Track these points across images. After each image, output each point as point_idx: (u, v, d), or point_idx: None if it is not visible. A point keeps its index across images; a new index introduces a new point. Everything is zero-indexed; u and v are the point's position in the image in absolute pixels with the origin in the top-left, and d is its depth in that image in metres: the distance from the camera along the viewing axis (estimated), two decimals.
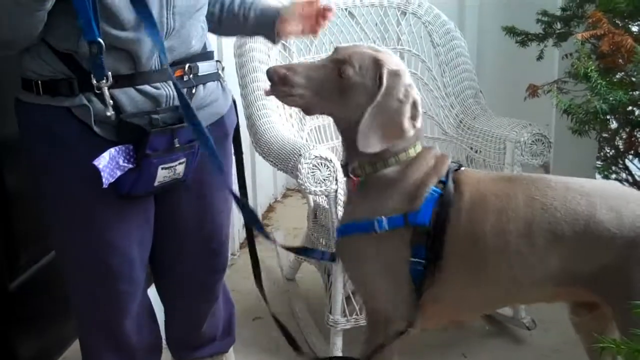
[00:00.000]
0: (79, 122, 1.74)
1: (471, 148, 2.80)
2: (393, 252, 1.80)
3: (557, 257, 1.72)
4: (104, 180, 1.69)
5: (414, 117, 1.77)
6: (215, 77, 1.97)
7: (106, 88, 1.68)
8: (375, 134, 1.74)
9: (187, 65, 1.85)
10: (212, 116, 1.96)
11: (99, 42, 1.63)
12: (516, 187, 1.79)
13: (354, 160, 1.84)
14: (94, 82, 1.68)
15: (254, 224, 1.91)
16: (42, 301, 2.35)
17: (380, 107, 1.74)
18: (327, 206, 2.38)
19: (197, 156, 1.88)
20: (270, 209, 4.02)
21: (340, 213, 2.33)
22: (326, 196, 2.34)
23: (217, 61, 2.00)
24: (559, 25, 3.02)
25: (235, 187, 2.03)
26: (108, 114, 1.70)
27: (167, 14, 1.74)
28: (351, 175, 1.85)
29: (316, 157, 2.26)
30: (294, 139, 2.49)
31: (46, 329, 2.41)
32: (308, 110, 1.85)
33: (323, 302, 2.56)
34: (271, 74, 1.76)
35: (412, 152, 1.82)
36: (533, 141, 2.55)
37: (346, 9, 2.94)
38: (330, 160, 2.28)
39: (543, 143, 2.55)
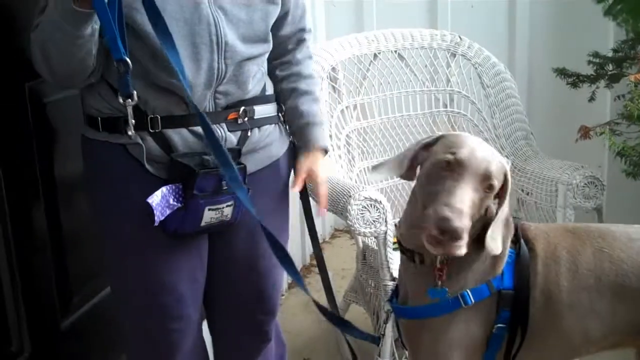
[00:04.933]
0: (133, 160, 1.78)
1: (522, 190, 2.77)
2: (478, 325, 1.69)
3: (625, 308, 1.69)
4: (155, 218, 1.73)
5: None
6: (273, 120, 1.98)
7: (130, 107, 1.71)
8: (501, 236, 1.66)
9: (242, 109, 1.86)
10: (266, 159, 1.97)
11: (125, 61, 1.64)
12: (583, 239, 1.74)
13: None
14: (120, 100, 1.70)
15: (293, 276, 1.83)
16: (93, 339, 2.37)
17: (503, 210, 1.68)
18: (376, 247, 2.37)
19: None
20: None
21: (389, 255, 2.32)
22: (375, 237, 2.33)
23: (278, 103, 2.02)
24: (610, 67, 3.00)
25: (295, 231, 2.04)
26: (130, 133, 1.73)
27: (218, 59, 1.77)
28: (438, 266, 1.67)
29: (366, 198, 2.26)
30: (344, 180, 2.50)
31: None
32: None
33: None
34: (448, 227, 1.50)
35: None
36: (586, 184, 2.51)
37: (396, 51, 2.96)
38: (380, 202, 2.28)
39: (596, 186, 2.52)
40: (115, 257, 1.90)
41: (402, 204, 2.94)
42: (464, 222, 1.51)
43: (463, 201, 1.54)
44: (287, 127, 2.06)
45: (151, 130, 1.77)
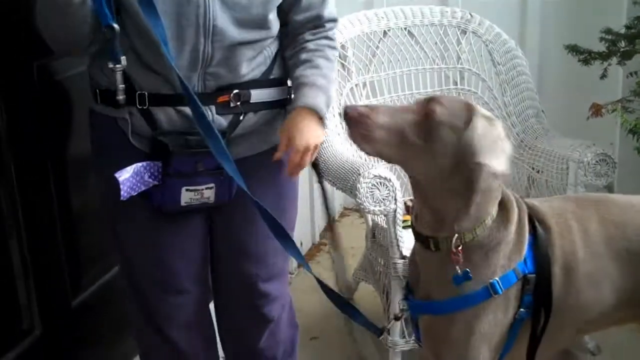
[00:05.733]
0: (122, 133, 1.82)
1: (533, 168, 2.75)
2: (504, 312, 1.64)
3: (633, 275, 1.68)
4: (122, 192, 1.74)
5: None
6: (276, 104, 1.93)
7: (119, 73, 1.72)
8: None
9: (234, 92, 1.82)
10: (263, 144, 1.93)
11: (112, 26, 1.65)
12: (587, 207, 1.73)
13: (445, 231, 1.60)
14: (110, 65, 1.71)
15: (298, 260, 1.85)
16: (103, 318, 2.38)
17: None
18: (385, 226, 2.37)
19: (229, 183, 1.85)
20: (328, 228, 4.01)
21: (399, 233, 2.31)
22: (385, 216, 2.32)
23: (290, 87, 1.95)
24: (623, 44, 2.96)
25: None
26: (119, 97, 1.74)
27: (205, 42, 1.74)
28: (454, 250, 1.59)
29: (375, 176, 2.26)
30: (353, 158, 2.49)
31: (107, 345, 2.44)
32: (388, 157, 1.60)
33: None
34: (350, 111, 1.55)
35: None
36: (597, 161, 2.49)
37: (406, 29, 2.93)
38: (389, 180, 2.27)
39: (607, 163, 2.49)
40: (111, 227, 1.95)
41: None
42: (362, 109, 1.54)
43: (383, 106, 1.60)
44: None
45: (139, 107, 1.78)
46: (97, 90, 1.82)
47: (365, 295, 2.99)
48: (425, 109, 1.54)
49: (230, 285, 2.07)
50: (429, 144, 1.53)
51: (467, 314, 1.63)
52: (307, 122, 1.84)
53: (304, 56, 1.92)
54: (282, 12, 1.89)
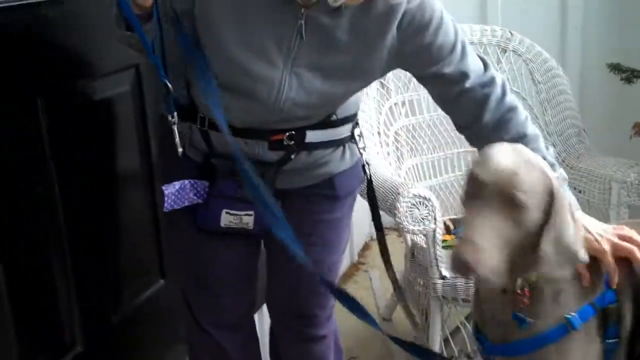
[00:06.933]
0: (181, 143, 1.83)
1: (574, 188, 2.71)
2: (588, 346, 1.57)
3: None
4: (165, 205, 1.79)
5: None
6: (333, 144, 1.85)
7: (175, 126, 1.72)
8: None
9: (287, 134, 1.76)
10: (313, 178, 1.87)
11: (166, 84, 1.66)
12: None
13: (515, 275, 1.52)
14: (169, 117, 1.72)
15: (334, 294, 1.77)
16: (144, 333, 2.40)
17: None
18: (425, 245, 2.35)
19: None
20: (366, 247, 4.00)
21: (438, 253, 2.30)
22: (424, 235, 2.31)
23: (355, 124, 1.88)
24: None
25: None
26: (179, 150, 1.74)
27: (268, 115, 1.71)
28: (519, 291, 1.54)
29: (415, 195, 2.25)
30: (392, 177, 2.48)
31: None
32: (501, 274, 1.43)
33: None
34: (459, 263, 1.41)
35: None
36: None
37: None
38: (429, 199, 2.26)
39: None
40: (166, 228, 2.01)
41: (452, 202, 2.92)
42: (479, 258, 1.38)
43: (482, 234, 1.39)
44: None
45: (198, 127, 1.80)
46: (170, 100, 1.84)
47: (404, 315, 2.97)
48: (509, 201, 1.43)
49: (277, 309, 2.08)
50: (523, 229, 1.44)
51: (547, 352, 1.56)
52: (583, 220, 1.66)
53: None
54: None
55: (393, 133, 2.85)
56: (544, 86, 2.96)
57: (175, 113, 1.71)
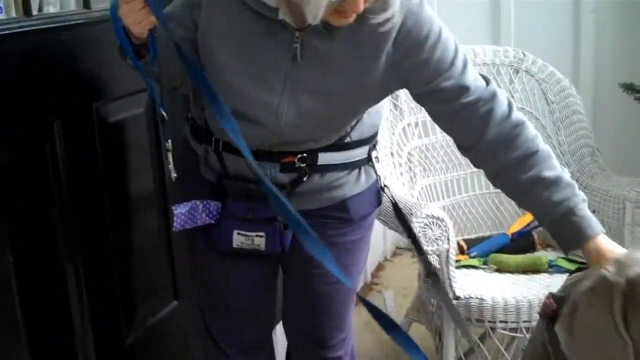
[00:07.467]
0: (196, 161, 1.88)
1: (589, 208, 2.70)
2: None
3: None
4: (175, 224, 1.81)
5: None
6: (346, 167, 1.83)
7: (169, 153, 1.76)
8: None
9: (298, 156, 1.76)
10: (326, 201, 1.86)
11: (162, 113, 1.70)
12: None
13: None
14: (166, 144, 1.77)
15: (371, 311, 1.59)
16: (156, 355, 2.40)
17: None
18: (438, 266, 2.35)
19: (282, 235, 1.83)
20: (380, 267, 4.00)
21: (452, 273, 2.29)
22: (437, 256, 2.30)
23: (373, 146, 1.88)
24: None
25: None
26: (173, 176, 1.78)
27: (271, 138, 1.73)
28: None
29: (428, 215, 2.24)
30: (405, 197, 2.48)
31: None
32: None
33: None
34: None
35: None
36: None
37: None
38: (442, 220, 2.25)
39: None
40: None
41: (465, 222, 2.91)
42: None
43: None
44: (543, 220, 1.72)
45: (213, 148, 1.82)
46: (189, 119, 1.91)
47: (418, 335, 2.96)
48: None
49: (293, 326, 2.08)
50: None
51: None
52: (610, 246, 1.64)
53: (520, 178, 1.69)
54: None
55: (406, 154, 2.85)
56: (557, 106, 2.96)
57: (170, 141, 1.75)
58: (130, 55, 1.61)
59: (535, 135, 1.72)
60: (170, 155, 1.77)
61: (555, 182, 1.67)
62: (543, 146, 1.71)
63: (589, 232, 1.64)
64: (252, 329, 2.05)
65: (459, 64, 1.69)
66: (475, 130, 1.70)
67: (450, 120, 1.74)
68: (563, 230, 1.67)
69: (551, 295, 1.56)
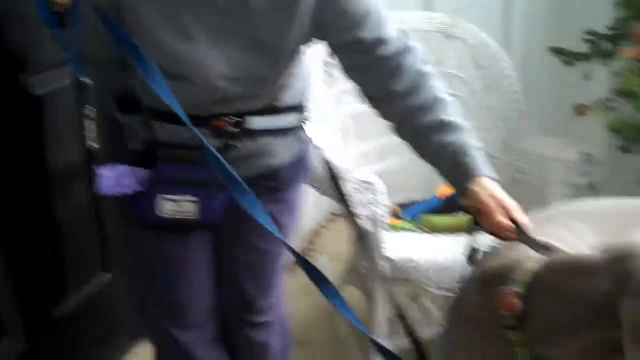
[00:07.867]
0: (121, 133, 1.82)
1: (516, 170, 2.75)
2: None
3: None
4: (100, 186, 1.69)
5: None
6: (278, 133, 1.82)
7: (91, 122, 1.69)
8: None
9: (229, 119, 1.73)
10: (258, 168, 1.83)
11: (84, 81, 1.65)
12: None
13: None
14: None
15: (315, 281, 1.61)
16: (88, 329, 2.37)
17: None
18: (371, 229, 2.36)
19: (217, 200, 1.78)
20: (316, 234, 4.01)
21: (383, 237, 2.31)
22: (371, 220, 2.32)
23: (303, 114, 1.86)
24: (606, 44, 2.98)
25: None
26: (89, 144, 1.70)
27: (205, 78, 1.68)
28: None
29: (359, 180, 2.25)
30: (339, 163, 2.48)
31: (89, 355, 2.43)
32: None
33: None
34: None
35: None
36: (580, 160, 2.49)
37: None
38: (373, 183, 2.26)
39: (590, 162, 2.50)
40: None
41: (398, 187, 2.93)
42: None
43: None
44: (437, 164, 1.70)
45: (140, 117, 1.75)
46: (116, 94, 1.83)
47: (352, 298, 2.98)
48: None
49: (227, 296, 2.05)
50: None
51: None
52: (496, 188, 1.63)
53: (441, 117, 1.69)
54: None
55: (340, 120, 2.85)
56: (488, 71, 2.98)
57: (92, 108, 1.67)
58: (49, 25, 1.55)
59: (441, 86, 1.74)
60: (92, 124, 1.68)
61: (450, 125, 1.67)
62: (446, 96, 1.72)
63: (477, 172, 1.62)
64: (193, 303, 1.97)
65: (375, 15, 1.69)
66: (387, 81, 1.71)
67: (364, 72, 1.74)
68: (453, 170, 1.66)
69: (515, 294, 1.40)
